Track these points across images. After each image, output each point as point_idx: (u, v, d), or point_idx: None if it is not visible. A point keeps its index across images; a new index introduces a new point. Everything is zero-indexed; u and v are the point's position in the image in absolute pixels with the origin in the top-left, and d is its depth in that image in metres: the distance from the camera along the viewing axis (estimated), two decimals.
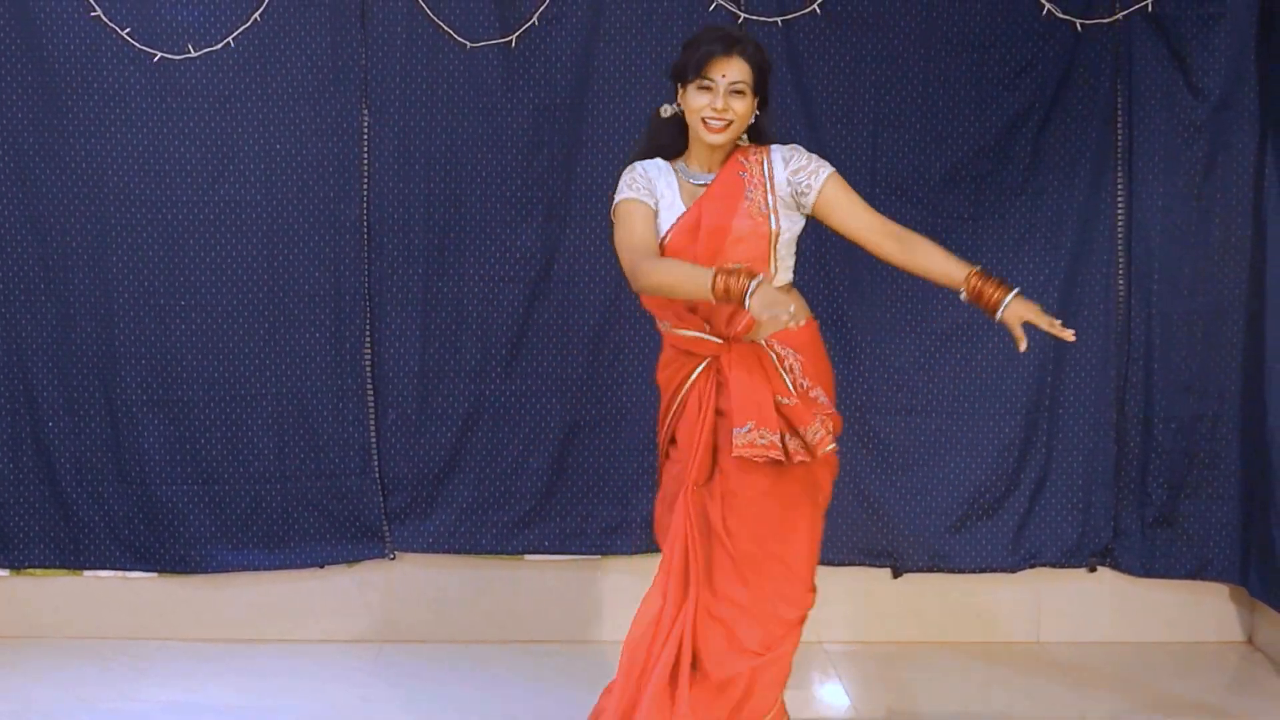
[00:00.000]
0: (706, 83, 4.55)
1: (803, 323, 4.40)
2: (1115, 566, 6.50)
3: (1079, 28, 6.28)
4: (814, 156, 4.68)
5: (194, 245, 6.37)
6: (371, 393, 6.46)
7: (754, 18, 6.29)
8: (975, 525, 6.46)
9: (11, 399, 6.38)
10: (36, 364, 6.37)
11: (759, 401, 4.53)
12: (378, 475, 6.49)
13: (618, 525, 6.42)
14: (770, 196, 4.62)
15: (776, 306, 4.16)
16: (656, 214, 4.64)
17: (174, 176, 6.33)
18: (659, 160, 4.73)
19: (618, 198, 4.66)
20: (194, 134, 6.32)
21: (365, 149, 6.37)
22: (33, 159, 6.28)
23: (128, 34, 6.25)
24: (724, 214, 4.59)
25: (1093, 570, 6.52)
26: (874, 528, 6.48)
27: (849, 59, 6.32)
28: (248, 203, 6.36)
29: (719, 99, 4.54)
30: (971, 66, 6.30)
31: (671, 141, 4.73)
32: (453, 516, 6.50)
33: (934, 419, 6.44)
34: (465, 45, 6.30)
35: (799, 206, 4.68)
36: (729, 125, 4.57)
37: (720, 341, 4.64)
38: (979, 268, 4.62)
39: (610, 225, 4.72)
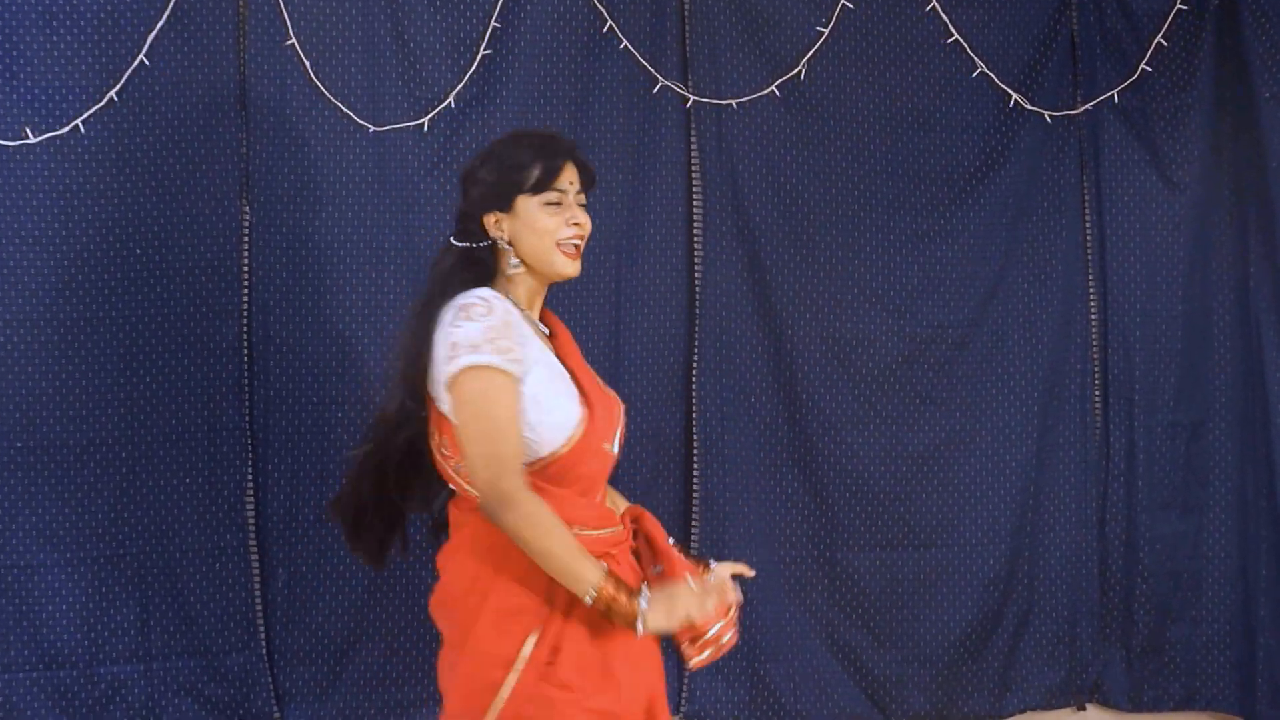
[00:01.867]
0: (555, 195, 3.15)
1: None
2: (1104, 702, 5.25)
3: (1048, 119, 5.04)
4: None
5: (33, 372, 4.59)
6: (255, 550, 4.74)
7: (705, 100, 4.89)
8: (960, 670, 5.08)
9: None
10: None
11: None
12: (265, 650, 4.76)
13: None
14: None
15: (685, 620, 3.01)
16: (534, 381, 3.08)
17: (7, 290, 4.56)
18: (506, 299, 3.16)
19: (474, 358, 2.99)
20: (33, 237, 4.58)
21: (246, 253, 4.71)
22: None
23: None
24: (592, 385, 3.23)
25: (1081, 709, 5.19)
26: (851, 681, 5.04)
27: (810, 145, 4.97)
28: (100, 319, 4.62)
29: (575, 213, 3.17)
30: (942, 156, 5.03)
31: (479, 276, 3.19)
32: (358, 694, 4.80)
33: (911, 554, 5.07)
34: (369, 129, 4.71)
35: None
36: (579, 250, 3.22)
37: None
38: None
39: (446, 391, 3.05)
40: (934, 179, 5.04)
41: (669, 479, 4.98)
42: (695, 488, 4.96)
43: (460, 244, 3.16)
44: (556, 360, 3.17)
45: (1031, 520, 5.14)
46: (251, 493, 4.75)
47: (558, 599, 3.04)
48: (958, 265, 5.07)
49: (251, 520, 4.76)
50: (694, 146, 4.94)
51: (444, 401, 3.02)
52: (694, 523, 4.98)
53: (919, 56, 5.00)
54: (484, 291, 3.10)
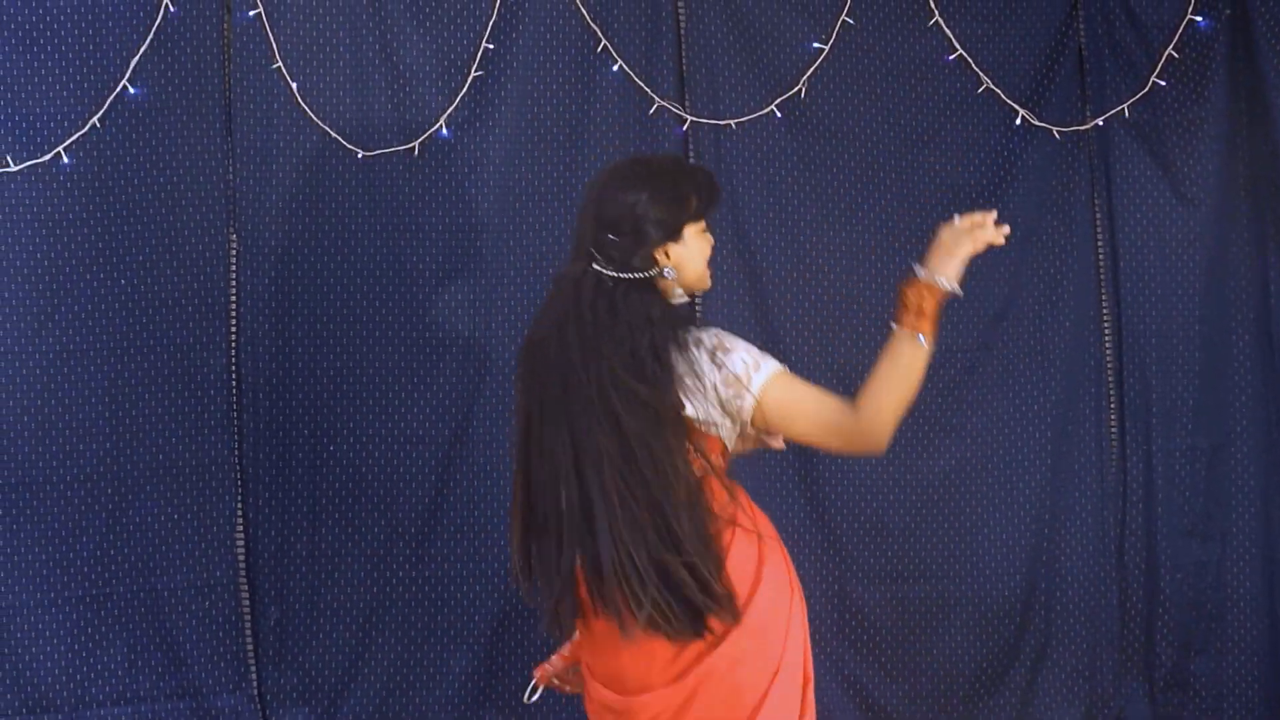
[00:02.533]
0: (707, 224, 3.10)
1: None
2: None
3: (1056, 135, 4.70)
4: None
5: (14, 405, 4.29)
6: (246, 588, 4.42)
7: (703, 120, 4.57)
8: (974, 708, 4.71)
9: None
10: None
11: None
12: (256, 691, 4.43)
13: None
14: None
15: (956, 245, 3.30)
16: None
17: None
18: None
19: (767, 370, 3.02)
20: (14, 266, 4.29)
21: (233, 282, 4.41)
22: None
23: None
24: None
25: None
26: (862, 718, 4.64)
27: (811, 166, 4.64)
28: (83, 351, 4.32)
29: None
30: (947, 175, 4.69)
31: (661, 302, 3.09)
32: None
33: (923, 586, 4.71)
34: (358, 154, 4.40)
35: None
36: None
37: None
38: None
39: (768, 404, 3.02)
40: (939, 198, 4.70)
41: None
42: None
43: (624, 275, 3.00)
44: None
45: (1047, 549, 4.77)
46: (241, 528, 4.44)
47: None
48: (964, 287, 4.69)
49: (241, 557, 4.44)
50: None
51: (746, 411, 3.02)
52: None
53: (922, 73, 4.67)
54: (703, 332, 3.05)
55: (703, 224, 3.07)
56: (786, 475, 4.65)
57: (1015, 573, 4.74)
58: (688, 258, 3.05)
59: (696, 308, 4.56)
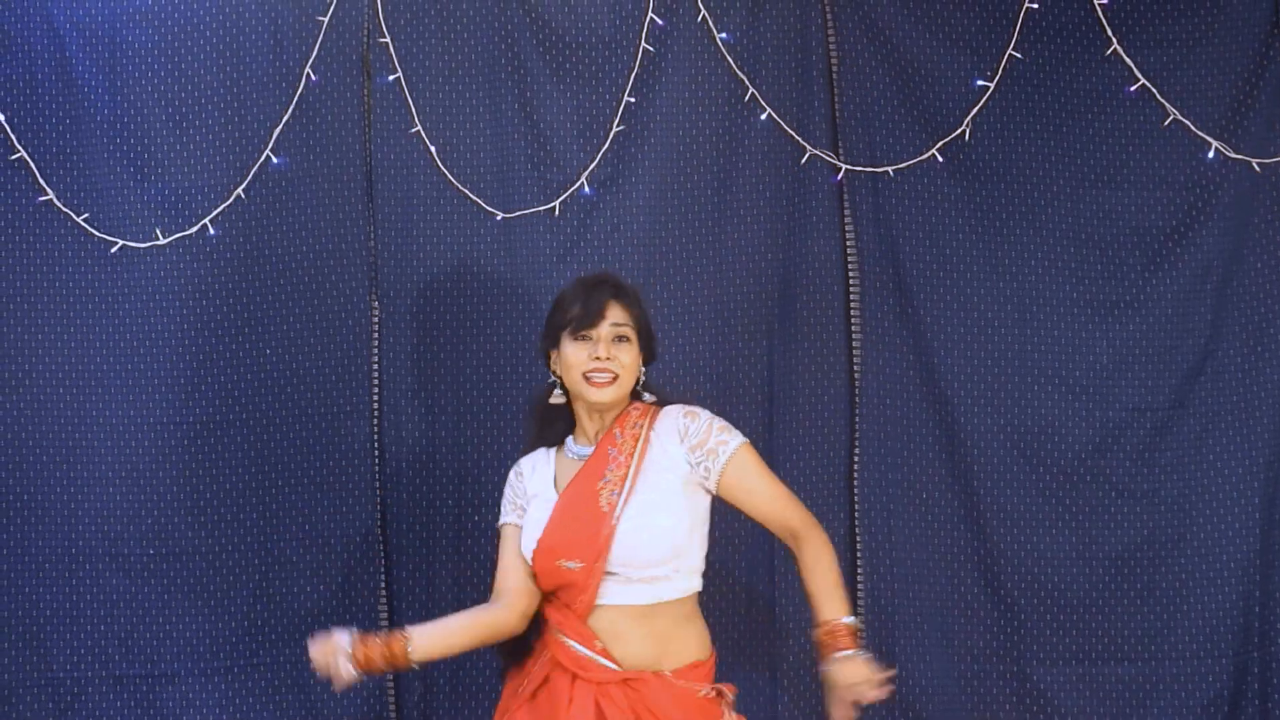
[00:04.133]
0: (586, 332, 3.04)
1: None
2: None
3: (1256, 168, 3.83)
4: (717, 422, 3.04)
5: (164, 477, 3.91)
6: (391, 683, 3.88)
7: (859, 169, 3.89)
8: None
9: None
10: None
11: None
12: None
13: None
14: (630, 480, 2.99)
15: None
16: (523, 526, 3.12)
17: (138, 393, 3.89)
18: (540, 451, 3.19)
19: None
20: (164, 338, 3.93)
21: (375, 350, 3.93)
22: None
23: (84, 220, 3.83)
24: (570, 506, 3.05)
25: None
26: None
27: (978, 212, 3.90)
28: (230, 423, 3.91)
29: (600, 347, 3.02)
30: (1131, 216, 3.88)
31: (560, 425, 3.18)
32: None
33: (1113, 668, 3.90)
34: (497, 215, 3.88)
35: (702, 489, 3.03)
36: (615, 379, 3.03)
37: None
38: (850, 622, 2.99)
39: None
40: (1123, 242, 3.93)
41: None
42: (860, 593, 3.93)
43: (554, 401, 3.17)
44: (551, 488, 3.11)
45: (1259, 630, 3.90)
46: (385, 599, 3.95)
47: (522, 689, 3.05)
48: (1155, 339, 3.90)
49: (385, 628, 3.92)
50: (848, 220, 3.97)
51: None
52: (860, 637, 3.89)
53: (1100, 106, 3.92)
54: (519, 463, 3.24)
55: (577, 334, 3.04)
56: (956, 545, 3.91)
57: (1222, 655, 3.88)
58: (563, 366, 3.07)
59: (856, 365, 3.89)
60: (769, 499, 3.04)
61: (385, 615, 3.94)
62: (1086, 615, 3.89)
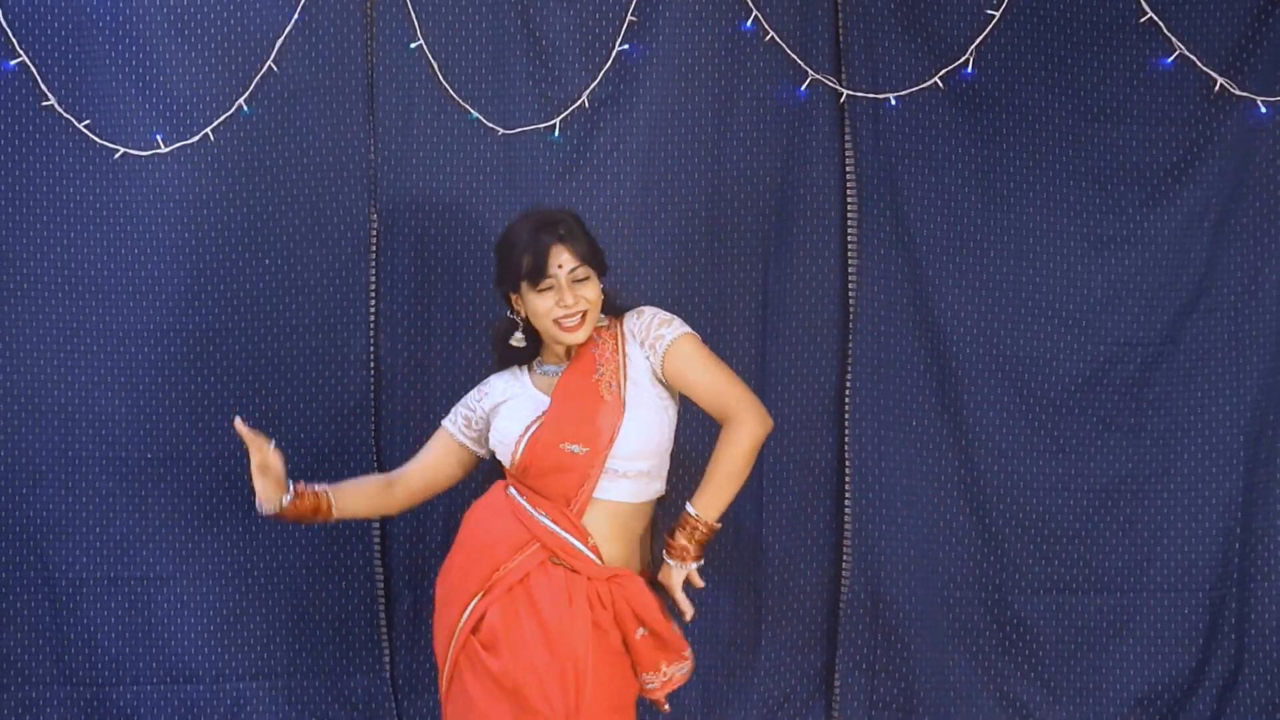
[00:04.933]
0: (546, 282, 3.10)
1: None
2: None
3: (1261, 106, 3.77)
4: (660, 314, 3.15)
5: (162, 383, 3.91)
6: (381, 571, 3.93)
7: (860, 95, 3.84)
8: None
9: None
10: None
11: None
12: (389, 675, 3.96)
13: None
14: (621, 376, 3.12)
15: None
16: (488, 425, 3.25)
17: (138, 300, 3.88)
18: (516, 369, 3.26)
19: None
20: (164, 247, 3.91)
21: (373, 262, 3.91)
22: None
23: (86, 127, 3.79)
24: (571, 396, 3.12)
25: None
26: None
27: (978, 143, 3.85)
28: (229, 331, 3.90)
29: (566, 295, 3.08)
30: (1132, 152, 3.83)
31: (528, 348, 3.23)
32: None
33: (1092, 598, 3.90)
34: (498, 132, 3.84)
35: (662, 384, 3.15)
36: (584, 317, 3.11)
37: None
38: (694, 516, 3.09)
39: None
40: (1123, 178, 3.87)
41: (818, 509, 3.97)
42: (847, 519, 3.93)
43: (509, 316, 3.22)
44: (536, 392, 3.18)
45: (1238, 566, 3.90)
46: None
47: (499, 580, 3.08)
48: (1150, 275, 3.87)
49: (377, 540, 3.96)
50: (848, 146, 3.92)
51: None
52: (845, 559, 3.94)
53: (1106, 39, 3.84)
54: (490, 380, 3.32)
55: (543, 284, 3.09)
56: (944, 473, 3.91)
57: (1199, 589, 3.89)
58: (530, 312, 3.14)
59: (851, 293, 3.88)
60: (706, 384, 3.10)
61: (377, 525, 3.96)
62: (1068, 546, 3.89)
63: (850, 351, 3.91)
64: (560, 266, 3.09)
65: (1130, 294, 3.87)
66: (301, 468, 3.88)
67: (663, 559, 3.12)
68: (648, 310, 3.17)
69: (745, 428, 3.08)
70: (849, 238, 3.92)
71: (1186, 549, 3.88)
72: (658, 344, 3.11)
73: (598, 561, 3.07)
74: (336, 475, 3.86)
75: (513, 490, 3.15)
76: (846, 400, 3.92)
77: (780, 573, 3.92)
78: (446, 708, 3.14)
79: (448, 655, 3.10)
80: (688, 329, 3.14)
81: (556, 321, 3.09)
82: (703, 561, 3.12)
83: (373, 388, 3.94)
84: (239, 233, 3.91)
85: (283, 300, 3.93)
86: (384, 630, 3.96)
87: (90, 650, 3.91)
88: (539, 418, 3.11)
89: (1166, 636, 3.89)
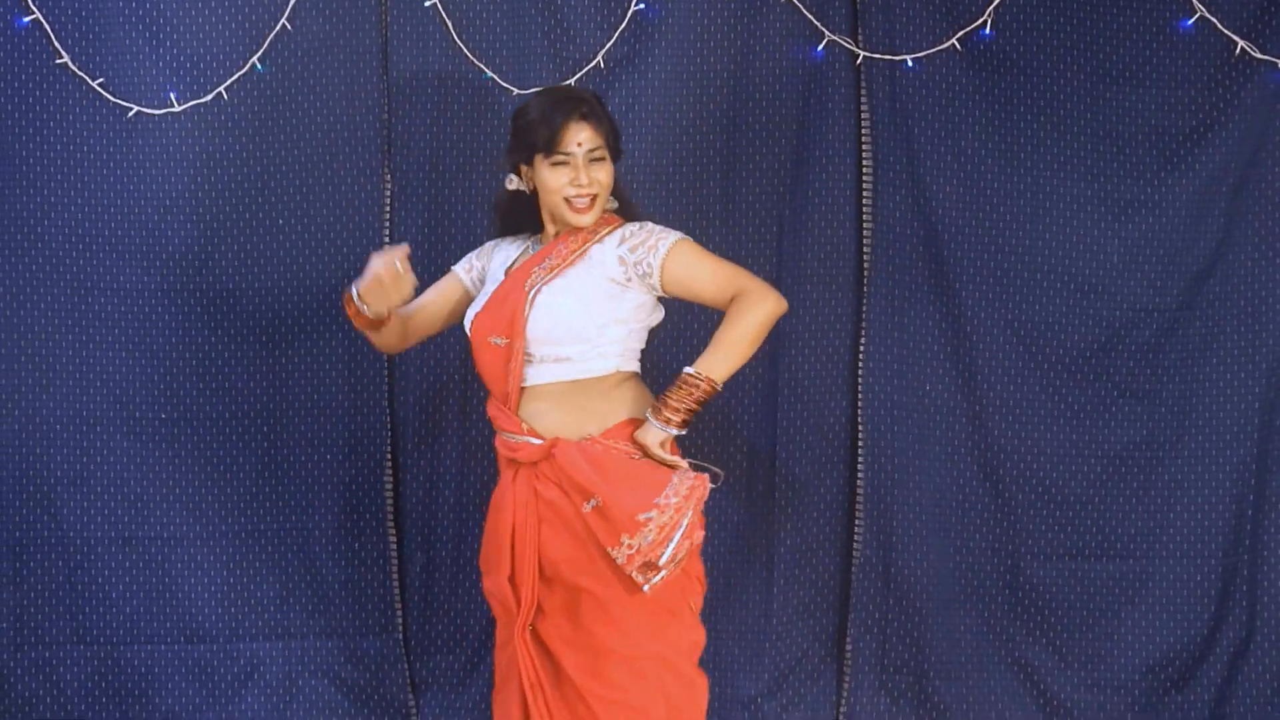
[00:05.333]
0: (561, 157, 3.04)
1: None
2: None
3: None
4: (659, 229, 3.07)
5: (176, 343, 3.89)
6: (393, 532, 3.91)
7: (877, 56, 3.79)
8: (1159, 702, 3.85)
9: None
10: None
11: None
12: (401, 636, 3.95)
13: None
14: (554, 272, 3.05)
15: (370, 273, 3.04)
16: (479, 290, 3.27)
17: (152, 260, 3.86)
18: (524, 239, 3.25)
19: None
20: (177, 206, 3.88)
21: (388, 224, 3.90)
22: None
23: (99, 85, 3.76)
24: (508, 288, 3.12)
25: None
26: (1033, 706, 3.87)
27: (995, 106, 3.81)
28: (243, 291, 3.88)
29: (581, 174, 3.02)
30: (1150, 115, 3.79)
31: (528, 218, 3.20)
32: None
33: (1104, 564, 3.88)
34: (512, 91, 3.81)
35: (648, 289, 3.08)
36: (594, 200, 3.06)
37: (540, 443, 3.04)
38: (694, 374, 2.98)
39: None
40: (1140, 141, 3.83)
41: (831, 472, 3.94)
42: (860, 483, 3.91)
43: (511, 188, 3.17)
44: (502, 273, 3.19)
45: (1250, 532, 3.88)
46: (390, 473, 3.94)
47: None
48: (1166, 240, 3.84)
49: (390, 502, 3.95)
50: (864, 108, 3.88)
51: None
52: (857, 521, 3.92)
53: (1126, 1, 3.77)
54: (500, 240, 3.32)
55: (557, 158, 3.03)
56: (957, 438, 3.88)
57: (1211, 556, 3.87)
58: (538, 186, 3.10)
59: (866, 256, 3.85)
60: (711, 276, 3.03)
61: (390, 487, 3.95)
62: (1081, 511, 3.87)
63: (864, 315, 3.88)
64: (580, 144, 3.03)
65: (1147, 259, 3.84)
66: (315, 426, 3.89)
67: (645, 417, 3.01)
68: (650, 224, 3.10)
69: (760, 300, 2.99)
70: (864, 201, 3.89)
71: (1200, 515, 3.86)
72: (659, 245, 3.03)
73: (534, 441, 3.02)
74: (350, 433, 3.89)
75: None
76: (860, 364, 3.89)
77: (792, 535, 3.91)
78: None
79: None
80: (678, 235, 3.07)
81: (568, 200, 3.04)
82: (684, 431, 2.99)
83: None
84: (253, 192, 3.88)
85: (296, 260, 3.90)
86: (396, 591, 3.95)
87: (105, 610, 3.91)
88: (482, 304, 3.14)
89: (1179, 603, 3.87)
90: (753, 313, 2.98)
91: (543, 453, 3.01)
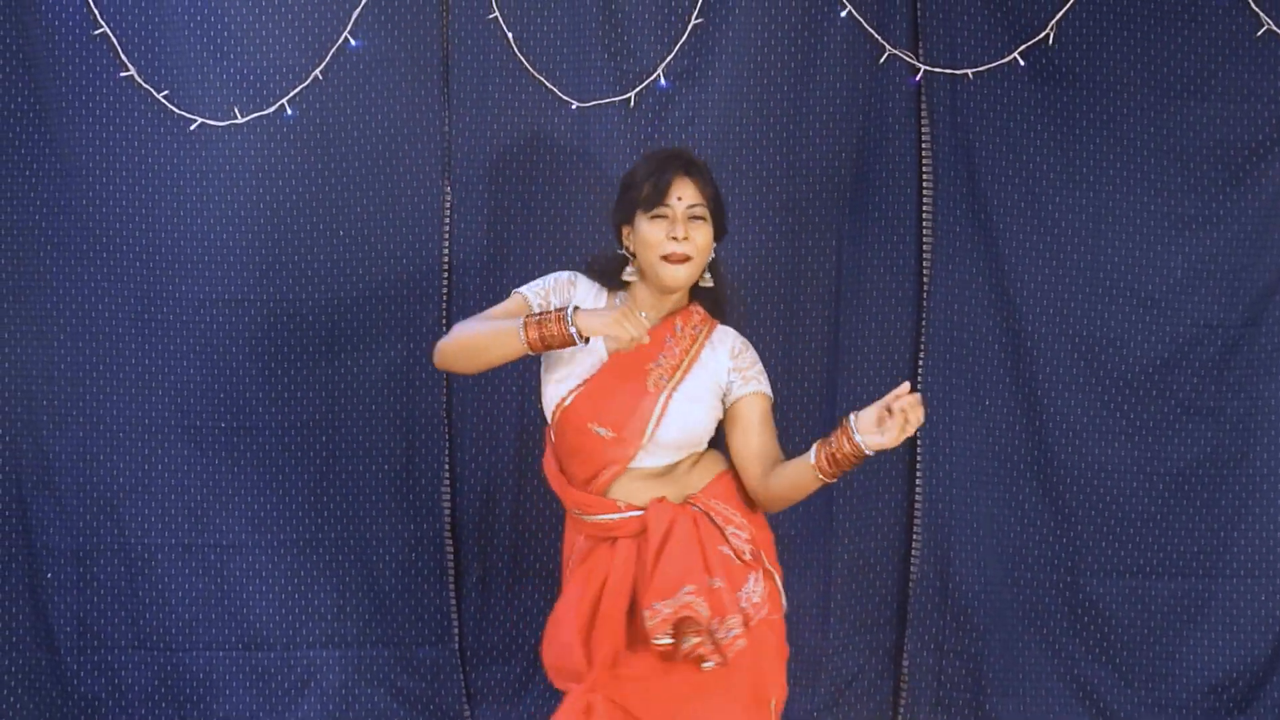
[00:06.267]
0: (662, 210, 2.94)
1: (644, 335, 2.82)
2: None
3: None
4: (760, 366, 3.02)
5: (237, 353, 3.89)
6: (450, 543, 3.90)
7: (938, 70, 3.76)
8: None
9: (0, 541, 3.85)
10: (35, 499, 3.86)
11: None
12: (457, 646, 3.94)
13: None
14: (681, 373, 2.95)
15: (615, 323, 2.80)
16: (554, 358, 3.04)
17: (214, 270, 3.87)
18: (601, 287, 3.07)
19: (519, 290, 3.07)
20: (239, 217, 3.89)
21: (447, 235, 3.89)
22: (41, 247, 3.87)
23: (164, 97, 3.78)
24: (618, 374, 2.95)
25: None
26: None
27: (1058, 120, 3.76)
28: (303, 302, 3.88)
29: (678, 226, 2.92)
30: (1215, 129, 3.75)
31: (617, 277, 3.05)
32: (552, 701, 3.84)
33: (1166, 583, 3.81)
34: (572, 105, 3.80)
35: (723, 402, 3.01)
36: (688, 261, 2.93)
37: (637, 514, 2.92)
38: (821, 442, 2.81)
39: None
40: (1206, 156, 3.77)
41: (889, 488, 3.90)
42: (918, 499, 3.86)
43: (619, 253, 3.06)
44: (601, 348, 2.98)
45: None
46: (448, 484, 3.93)
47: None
48: (1231, 255, 3.77)
49: (447, 512, 3.94)
50: (925, 122, 3.84)
51: None
52: (915, 538, 3.87)
53: (1191, 14, 3.74)
54: (577, 274, 3.12)
55: (657, 212, 2.93)
56: (1017, 454, 3.83)
57: (1276, 575, 3.82)
58: (637, 243, 2.97)
59: (925, 270, 3.81)
60: (763, 441, 2.94)
61: (448, 497, 3.94)
62: (1143, 529, 3.81)
63: (924, 329, 3.84)
64: (680, 199, 2.95)
65: (1211, 274, 3.77)
66: (374, 436, 3.89)
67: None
68: (754, 353, 3.04)
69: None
70: (924, 215, 3.85)
71: (1264, 534, 3.79)
72: (749, 383, 2.98)
73: (635, 515, 2.91)
74: (408, 444, 3.88)
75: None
76: (919, 379, 3.85)
77: (850, 551, 3.86)
78: None
79: None
80: (769, 390, 3.02)
81: (664, 257, 2.92)
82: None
83: None
84: (314, 204, 3.89)
85: (356, 272, 3.90)
86: (453, 601, 3.94)
87: (165, 615, 3.92)
88: (580, 386, 2.96)
89: (1242, 623, 3.80)
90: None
91: (643, 522, 2.89)
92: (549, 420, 3.03)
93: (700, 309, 3.05)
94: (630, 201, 2.98)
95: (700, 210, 2.96)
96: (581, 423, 2.94)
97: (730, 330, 3.06)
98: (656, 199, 2.93)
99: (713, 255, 3.00)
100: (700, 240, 2.95)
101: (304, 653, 3.94)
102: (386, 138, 3.88)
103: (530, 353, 2.90)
